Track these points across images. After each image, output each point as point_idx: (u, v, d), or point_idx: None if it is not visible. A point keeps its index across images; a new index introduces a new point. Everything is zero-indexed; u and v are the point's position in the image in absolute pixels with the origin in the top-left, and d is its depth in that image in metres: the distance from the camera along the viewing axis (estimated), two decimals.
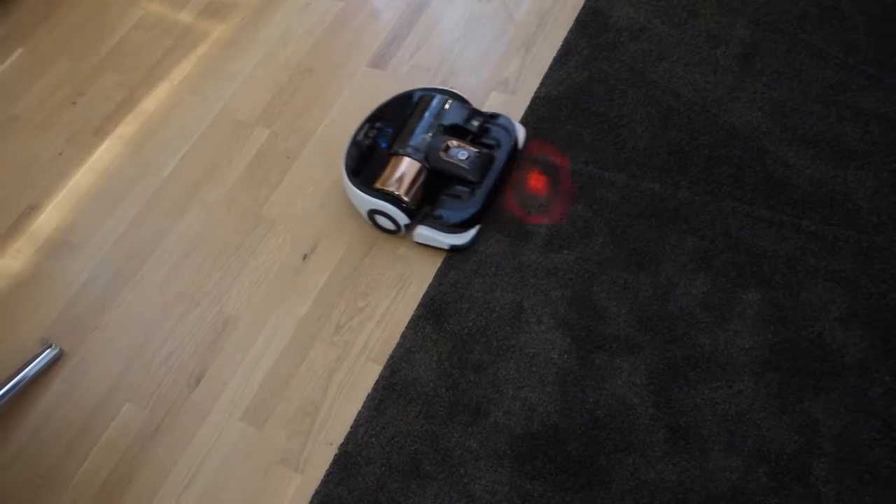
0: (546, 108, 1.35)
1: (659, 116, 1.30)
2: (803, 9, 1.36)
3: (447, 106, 1.28)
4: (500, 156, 1.24)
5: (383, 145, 1.26)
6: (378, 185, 1.21)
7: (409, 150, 1.22)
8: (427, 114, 1.27)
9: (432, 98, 1.29)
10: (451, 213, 1.20)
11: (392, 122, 1.28)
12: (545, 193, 1.22)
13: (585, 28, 1.43)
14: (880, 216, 1.14)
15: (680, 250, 1.16)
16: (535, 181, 1.23)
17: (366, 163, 1.25)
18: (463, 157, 1.20)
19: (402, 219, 1.20)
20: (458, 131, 1.26)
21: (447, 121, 1.26)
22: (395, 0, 1.58)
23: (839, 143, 1.21)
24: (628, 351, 1.09)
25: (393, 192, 1.19)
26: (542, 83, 1.38)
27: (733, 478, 0.98)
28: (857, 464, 0.97)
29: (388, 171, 1.22)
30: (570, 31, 1.44)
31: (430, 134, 1.24)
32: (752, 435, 1.01)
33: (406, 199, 1.19)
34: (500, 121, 1.28)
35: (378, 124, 1.28)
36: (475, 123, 1.26)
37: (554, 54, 1.41)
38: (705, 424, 1.02)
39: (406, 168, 1.21)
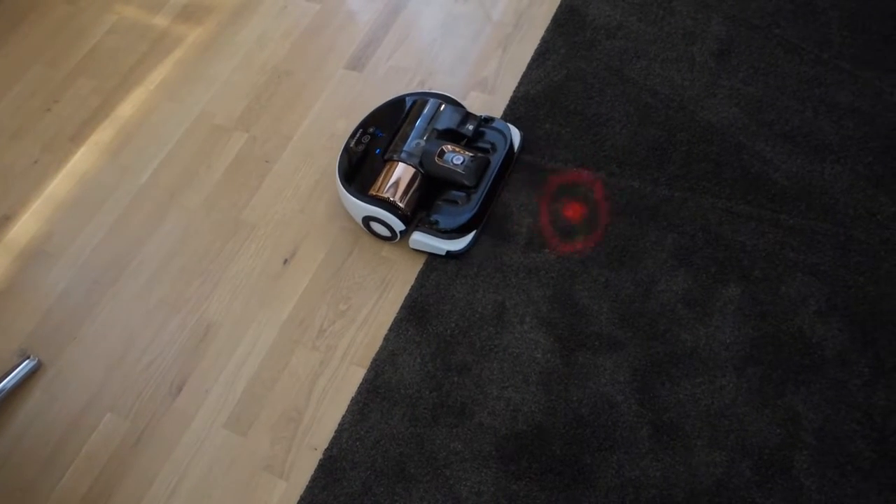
0: (524, 108, 1.35)
1: (637, 114, 1.30)
2: (777, 4, 1.37)
3: (441, 110, 1.27)
4: (496, 160, 1.23)
5: (377, 151, 1.25)
6: (373, 192, 1.20)
7: (403, 155, 1.22)
8: (421, 119, 1.26)
9: (426, 102, 1.28)
10: (447, 219, 1.20)
11: (385, 128, 1.27)
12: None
13: (562, 27, 1.43)
14: (857, 209, 1.15)
15: (660, 247, 1.17)
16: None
17: (359, 169, 1.24)
18: (458, 162, 1.19)
19: (398, 225, 1.19)
20: (452, 136, 1.25)
21: (441, 125, 1.25)
22: (372, 2, 1.58)
23: (815, 138, 1.22)
24: (611, 349, 1.10)
25: (388, 198, 1.19)
26: (521, 82, 1.38)
27: (717, 472, 0.99)
28: (838, 455, 0.98)
29: (382, 177, 1.21)
30: (548, 31, 1.44)
31: (425, 139, 1.23)
32: (734, 429, 1.01)
33: (401, 205, 1.19)
34: (495, 124, 1.27)
35: (371, 130, 1.27)
36: (470, 127, 1.25)
37: (531, 54, 1.41)
38: (688, 420, 1.03)
39: (401, 174, 1.21)
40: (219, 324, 1.23)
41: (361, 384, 1.13)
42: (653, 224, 1.19)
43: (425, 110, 1.27)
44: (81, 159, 1.48)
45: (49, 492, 1.13)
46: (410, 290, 1.20)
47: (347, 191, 1.22)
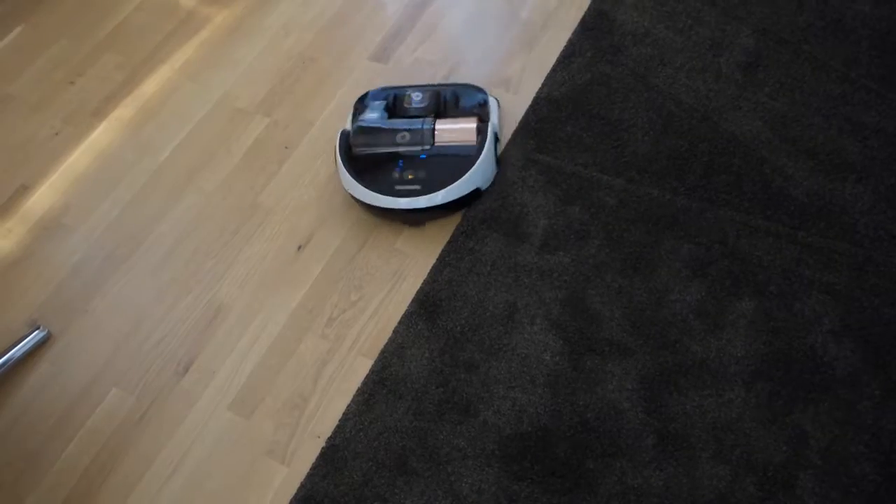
0: (547, 109, 1.34)
1: (660, 122, 1.29)
2: (807, 20, 1.37)
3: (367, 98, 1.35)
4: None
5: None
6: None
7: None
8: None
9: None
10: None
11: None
12: None
13: (589, 30, 1.43)
14: (876, 230, 1.14)
15: (675, 256, 1.16)
16: None
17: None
18: (419, 99, 1.30)
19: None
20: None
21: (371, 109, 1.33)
22: None
23: (838, 156, 1.21)
24: (620, 355, 1.09)
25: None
26: (545, 83, 1.38)
27: (720, 486, 0.98)
28: (843, 477, 0.97)
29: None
30: (574, 33, 1.43)
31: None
32: (740, 444, 1.01)
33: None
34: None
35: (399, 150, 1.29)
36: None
37: (557, 55, 1.41)
38: (694, 432, 1.02)
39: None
40: (229, 306, 1.24)
41: (368, 375, 1.13)
42: (669, 233, 1.18)
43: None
44: (102, 134, 1.49)
45: (51, 463, 1.13)
46: (423, 284, 1.20)
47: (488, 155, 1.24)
